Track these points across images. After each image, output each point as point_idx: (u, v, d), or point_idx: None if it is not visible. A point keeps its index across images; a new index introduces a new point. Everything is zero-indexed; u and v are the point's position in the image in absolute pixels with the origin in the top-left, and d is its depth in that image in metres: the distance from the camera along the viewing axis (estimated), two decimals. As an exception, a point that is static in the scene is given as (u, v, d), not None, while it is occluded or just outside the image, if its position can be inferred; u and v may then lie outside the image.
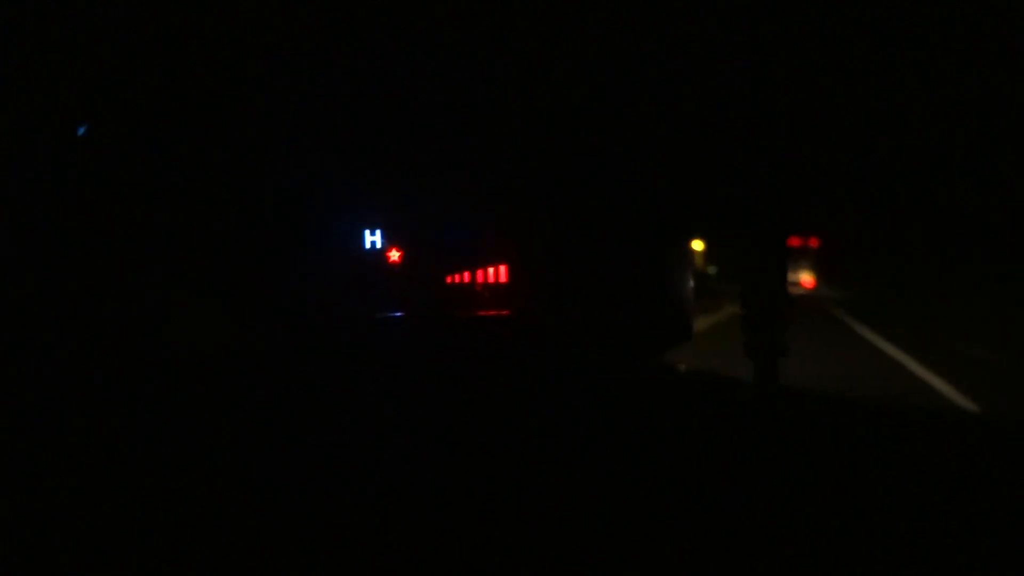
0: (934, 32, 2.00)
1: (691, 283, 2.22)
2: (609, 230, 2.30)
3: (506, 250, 2.40)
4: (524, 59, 2.19)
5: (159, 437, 1.12)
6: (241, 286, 2.32)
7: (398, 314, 2.42)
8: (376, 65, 2.33)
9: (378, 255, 2.45)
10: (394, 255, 2.44)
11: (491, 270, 2.34)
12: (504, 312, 2.30)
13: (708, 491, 0.94)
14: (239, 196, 2.43)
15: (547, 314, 2.19)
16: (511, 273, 2.38)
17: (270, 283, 2.39)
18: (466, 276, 2.47)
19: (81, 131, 1.97)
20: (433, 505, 0.88)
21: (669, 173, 2.29)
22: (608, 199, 2.31)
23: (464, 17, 2.12)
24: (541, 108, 2.36)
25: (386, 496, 0.93)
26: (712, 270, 23.94)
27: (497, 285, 2.37)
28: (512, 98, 2.38)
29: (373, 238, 2.48)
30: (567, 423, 1.23)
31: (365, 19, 2.17)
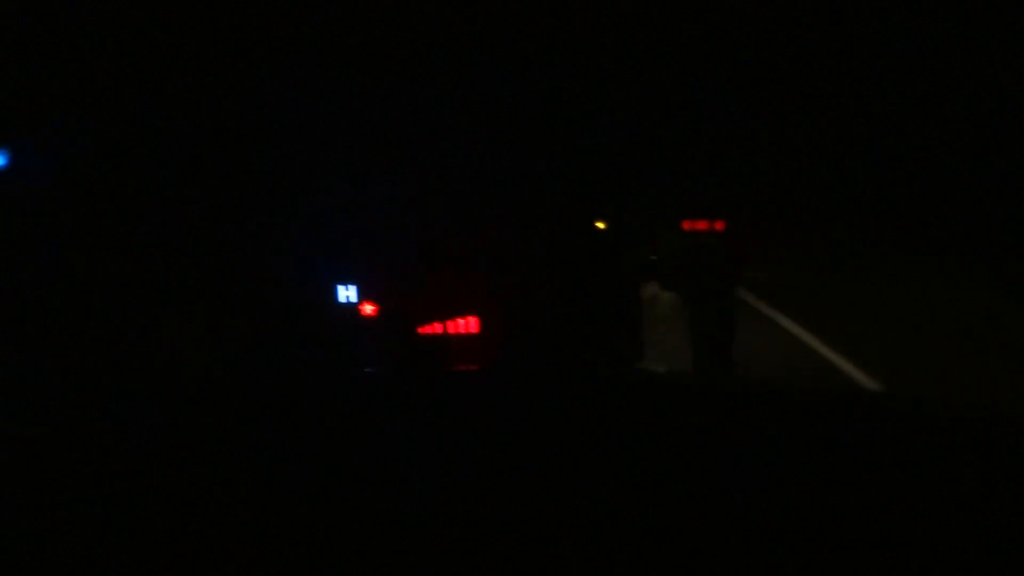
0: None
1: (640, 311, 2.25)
2: (571, 275, 2.31)
3: (477, 302, 2.41)
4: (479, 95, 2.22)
5: (150, 445, 1.15)
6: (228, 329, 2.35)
7: (372, 368, 2.44)
8: (348, 120, 2.38)
9: (352, 309, 2.48)
10: (368, 309, 2.46)
11: (462, 321, 2.35)
12: (473, 366, 2.30)
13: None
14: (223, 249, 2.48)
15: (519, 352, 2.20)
16: (482, 324, 2.38)
17: (252, 332, 2.42)
18: (438, 327, 2.48)
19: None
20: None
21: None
22: (568, 248, 2.32)
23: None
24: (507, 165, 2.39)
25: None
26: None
27: (469, 336, 2.38)
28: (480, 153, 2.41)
29: (348, 293, 2.51)
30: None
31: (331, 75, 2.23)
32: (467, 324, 2.32)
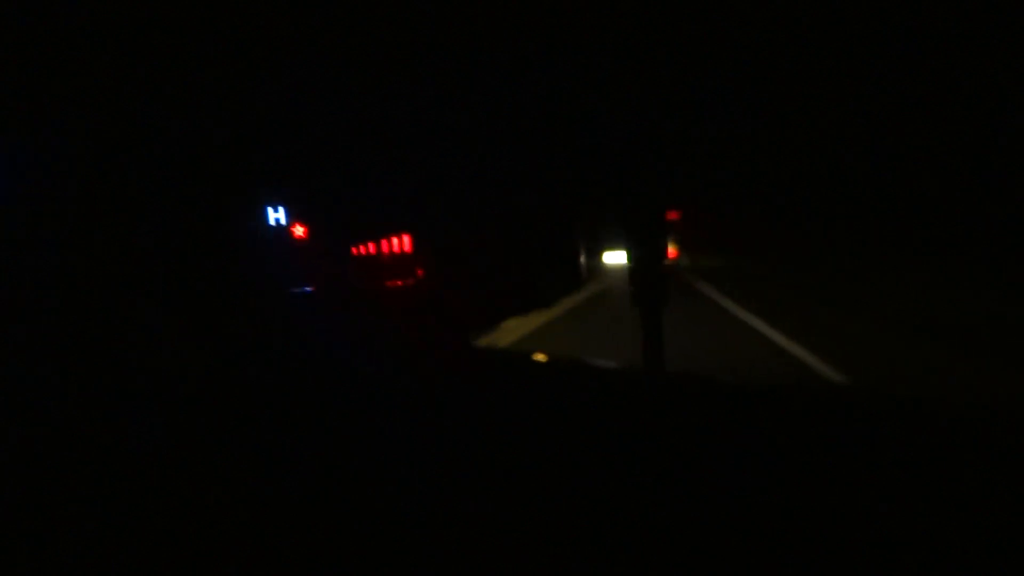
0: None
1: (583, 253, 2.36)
2: (510, 211, 2.38)
3: (410, 221, 2.46)
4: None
5: (146, 439, 1.09)
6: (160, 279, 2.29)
7: (308, 289, 2.47)
8: (281, 47, 2.32)
9: (282, 231, 2.48)
10: (299, 230, 2.48)
11: (395, 240, 2.40)
12: (408, 281, 2.37)
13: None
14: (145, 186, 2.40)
15: (448, 281, 2.27)
16: (415, 242, 2.44)
17: (185, 270, 2.39)
18: (371, 247, 2.52)
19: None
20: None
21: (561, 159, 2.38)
22: (507, 185, 2.38)
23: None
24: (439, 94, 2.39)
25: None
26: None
27: (402, 254, 2.44)
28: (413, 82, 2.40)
29: (276, 215, 2.50)
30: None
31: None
32: (400, 243, 2.38)
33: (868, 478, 0.96)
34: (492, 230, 2.12)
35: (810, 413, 1.36)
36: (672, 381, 1.86)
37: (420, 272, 2.28)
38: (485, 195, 2.11)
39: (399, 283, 2.29)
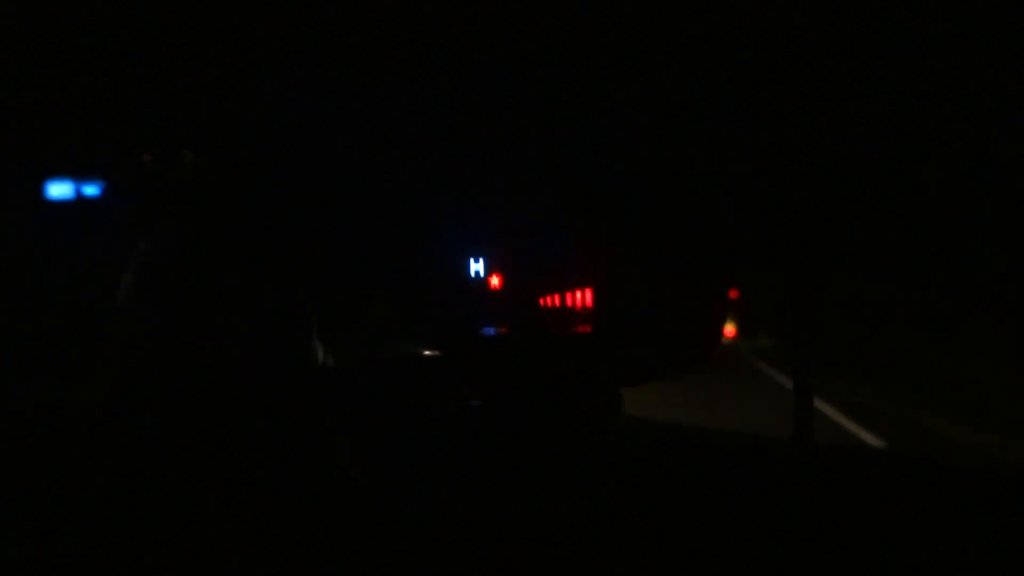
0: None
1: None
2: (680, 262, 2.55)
3: (591, 275, 2.70)
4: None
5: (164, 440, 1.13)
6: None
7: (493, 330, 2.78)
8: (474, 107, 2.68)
9: (481, 282, 2.83)
10: (495, 281, 2.81)
11: (578, 294, 2.65)
12: (586, 329, 2.60)
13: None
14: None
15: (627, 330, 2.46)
16: (596, 296, 2.68)
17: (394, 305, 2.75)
18: (557, 299, 2.80)
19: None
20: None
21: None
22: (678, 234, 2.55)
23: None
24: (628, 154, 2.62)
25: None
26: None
27: (584, 308, 2.68)
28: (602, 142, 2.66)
29: (477, 266, 2.86)
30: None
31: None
32: (583, 297, 2.61)
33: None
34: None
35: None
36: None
37: (591, 327, 2.49)
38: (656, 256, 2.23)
39: (578, 330, 2.52)
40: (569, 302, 2.67)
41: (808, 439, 1.96)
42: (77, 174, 1.76)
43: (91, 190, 1.71)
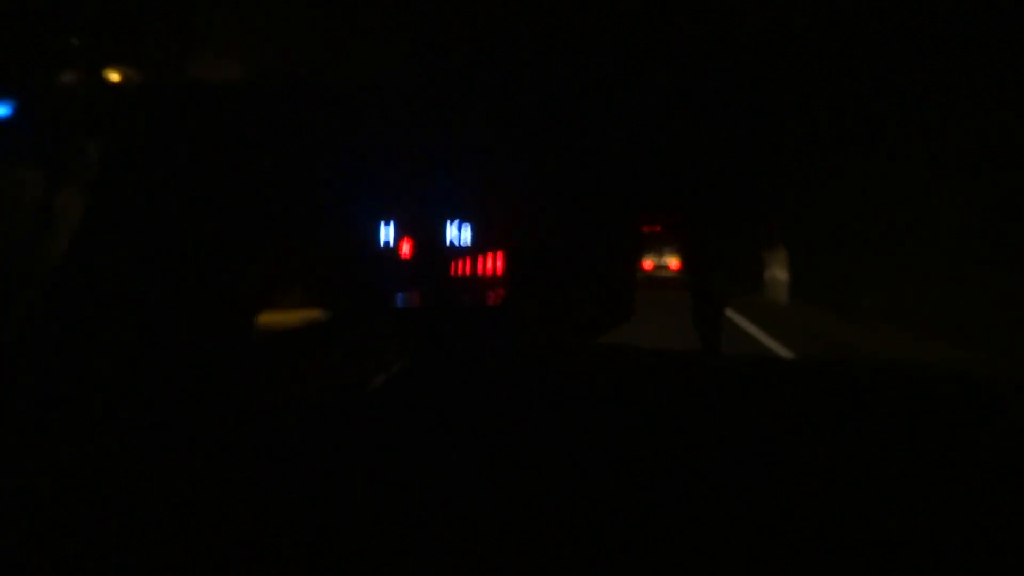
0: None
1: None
2: (587, 232, 2.55)
3: (504, 240, 2.67)
4: (523, 63, 2.40)
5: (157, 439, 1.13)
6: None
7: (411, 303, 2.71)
8: (380, 66, 2.57)
9: (390, 248, 2.74)
10: (405, 248, 2.73)
11: (490, 258, 2.61)
12: (500, 292, 2.57)
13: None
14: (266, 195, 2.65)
15: (535, 299, 2.44)
16: (507, 262, 2.64)
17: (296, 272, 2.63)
18: (467, 265, 2.75)
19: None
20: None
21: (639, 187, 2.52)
22: (588, 202, 2.54)
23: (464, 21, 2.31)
24: (540, 112, 2.58)
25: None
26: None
27: (495, 276, 2.64)
28: (512, 101, 2.61)
29: (386, 233, 2.77)
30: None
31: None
32: (494, 262, 2.58)
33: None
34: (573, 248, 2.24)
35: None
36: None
37: (506, 290, 2.46)
38: (565, 214, 2.23)
39: (491, 295, 2.48)
40: (481, 267, 2.63)
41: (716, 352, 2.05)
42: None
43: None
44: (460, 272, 2.71)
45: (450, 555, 0.80)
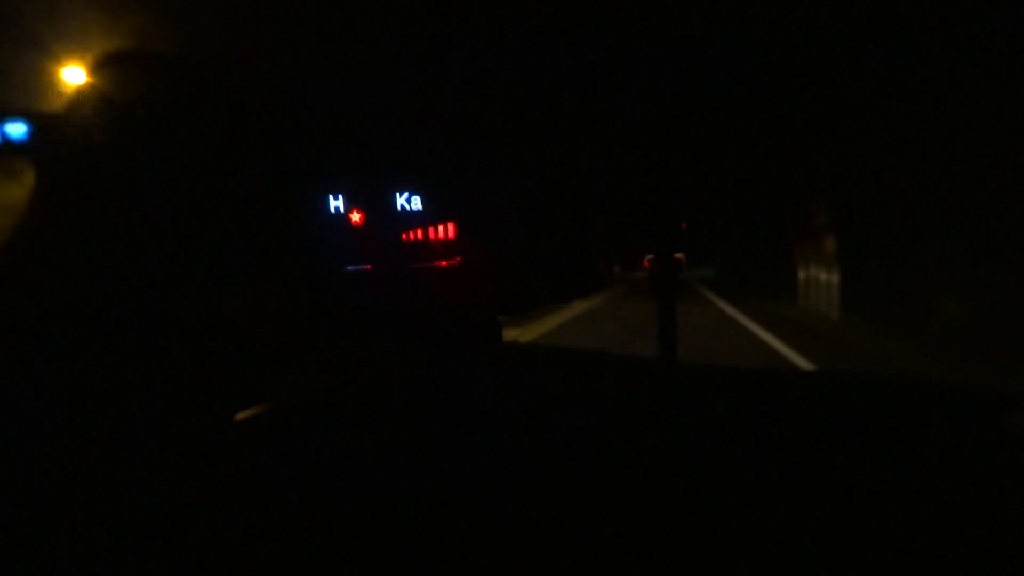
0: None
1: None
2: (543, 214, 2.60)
3: (455, 212, 2.71)
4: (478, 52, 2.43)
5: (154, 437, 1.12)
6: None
7: (361, 267, 2.74)
8: (328, 41, 2.57)
9: (341, 218, 2.76)
10: (355, 217, 2.75)
11: (441, 228, 2.65)
12: (452, 262, 2.61)
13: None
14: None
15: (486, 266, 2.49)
16: (459, 230, 2.69)
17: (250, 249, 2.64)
18: (420, 234, 2.78)
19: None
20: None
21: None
22: (543, 187, 2.60)
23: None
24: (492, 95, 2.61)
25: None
26: (708, 273, 24.00)
27: (447, 240, 2.69)
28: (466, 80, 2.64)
29: (336, 203, 2.78)
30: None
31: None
32: (446, 230, 2.62)
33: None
34: (529, 229, 2.30)
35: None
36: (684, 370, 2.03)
37: (460, 257, 2.50)
38: (523, 195, 2.27)
39: (443, 263, 2.53)
40: (432, 236, 2.67)
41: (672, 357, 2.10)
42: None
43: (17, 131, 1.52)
44: (412, 239, 2.75)
45: (449, 555, 0.80)
